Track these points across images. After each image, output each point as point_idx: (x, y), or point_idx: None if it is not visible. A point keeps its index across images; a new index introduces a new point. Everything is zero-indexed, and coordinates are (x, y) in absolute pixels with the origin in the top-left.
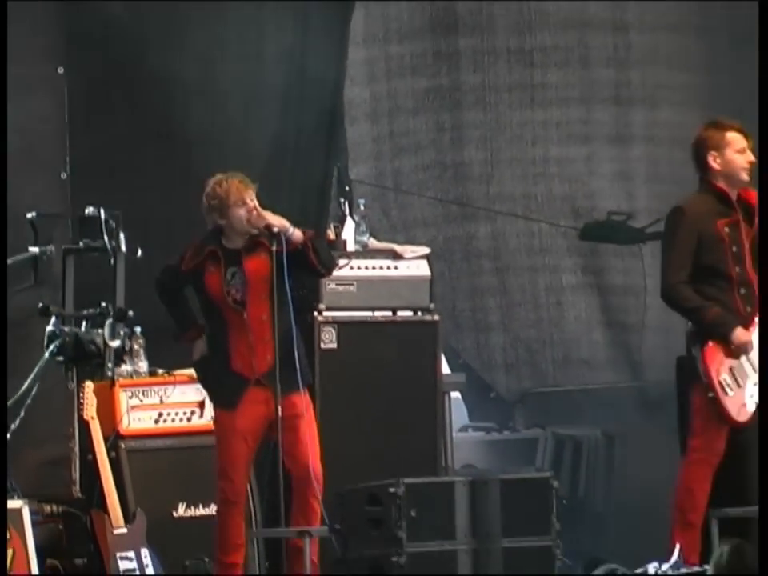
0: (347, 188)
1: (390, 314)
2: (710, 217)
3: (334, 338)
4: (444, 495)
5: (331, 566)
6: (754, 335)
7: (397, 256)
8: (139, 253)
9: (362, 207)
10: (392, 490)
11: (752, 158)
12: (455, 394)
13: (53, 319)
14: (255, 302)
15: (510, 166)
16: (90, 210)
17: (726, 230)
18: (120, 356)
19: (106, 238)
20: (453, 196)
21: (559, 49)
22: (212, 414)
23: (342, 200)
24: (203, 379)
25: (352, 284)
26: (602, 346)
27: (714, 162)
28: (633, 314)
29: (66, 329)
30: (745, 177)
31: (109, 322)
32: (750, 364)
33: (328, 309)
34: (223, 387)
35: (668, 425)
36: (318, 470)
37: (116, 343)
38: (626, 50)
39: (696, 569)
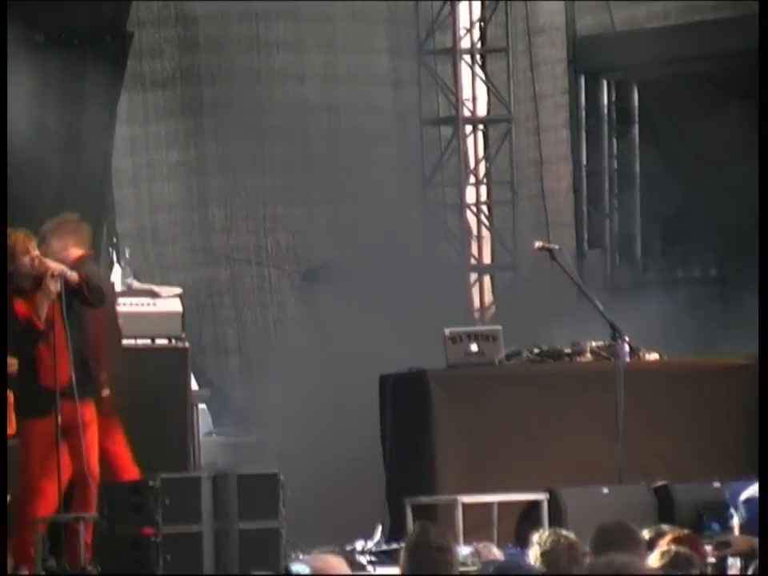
0: (115, 240)
1: (149, 341)
2: None
3: None
4: (192, 487)
5: (102, 545)
6: None
7: (155, 295)
8: None
9: (127, 255)
10: (151, 483)
11: None
12: (202, 405)
13: None
14: (53, 328)
15: (246, 222)
16: None
17: None
18: None
19: None
20: (199, 246)
21: (284, 127)
22: None
23: (111, 249)
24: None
25: (119, 318)
26: None
27: None
28: None
29: None
30: None
31: None
32: None
33: None
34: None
35: None
36: (96, 468)
37: None
38: (337, 127)
39: (394, 545)
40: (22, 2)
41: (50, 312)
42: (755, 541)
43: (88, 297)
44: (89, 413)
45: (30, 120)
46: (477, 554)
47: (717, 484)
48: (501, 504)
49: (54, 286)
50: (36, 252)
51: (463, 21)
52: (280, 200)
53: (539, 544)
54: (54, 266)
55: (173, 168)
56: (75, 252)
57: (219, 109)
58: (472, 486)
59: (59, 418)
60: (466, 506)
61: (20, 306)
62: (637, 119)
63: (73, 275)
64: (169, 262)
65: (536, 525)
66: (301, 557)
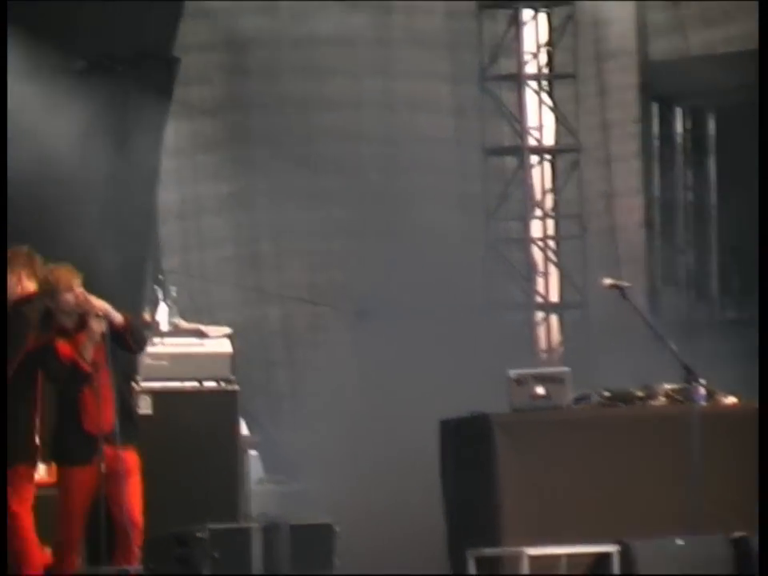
0: (160, 277)
1: (197, 384)
2: None
3: (150, 405)
4: (242, 538)
5: None
6: None
7: (203, 335)
8: None
9: (173, 293)
10: (198, 534)
11: None
12: (253, 452)
13: None
14: (97, 370)
15: (298, 258)
16: None
17: None
18: None
19: None
20: (249, 283)
21: (338, 158)
22: None
23: (157, 287)
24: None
25: (165, 359)
26: None
27: None
28: None
29: None
30: None
31: None
32: None
33: (144, 380)
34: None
35: None
36: (139, 519)
37: None
38: (393, 158)
39: None
40: (63, 26)
41: (95, 353)
42: None
43: (130, 342)
44: (131, 460)
45: (72, 150)
46: None
47: None
48: (569, 556)
49: (99, 326)
50: (80, 289)
51: (529, 45)
52: (334, 234)
53: None
54: (99, 304)
55: (221, 201)
56: (29, 285)
57: (270, 138)
58: (538, 536)
59: (102, 466)
60: (532, 558)
61: (63, 348)
62: (713, 149)
63: (117, 316)
64: (217, 301)
65: None
66: None
